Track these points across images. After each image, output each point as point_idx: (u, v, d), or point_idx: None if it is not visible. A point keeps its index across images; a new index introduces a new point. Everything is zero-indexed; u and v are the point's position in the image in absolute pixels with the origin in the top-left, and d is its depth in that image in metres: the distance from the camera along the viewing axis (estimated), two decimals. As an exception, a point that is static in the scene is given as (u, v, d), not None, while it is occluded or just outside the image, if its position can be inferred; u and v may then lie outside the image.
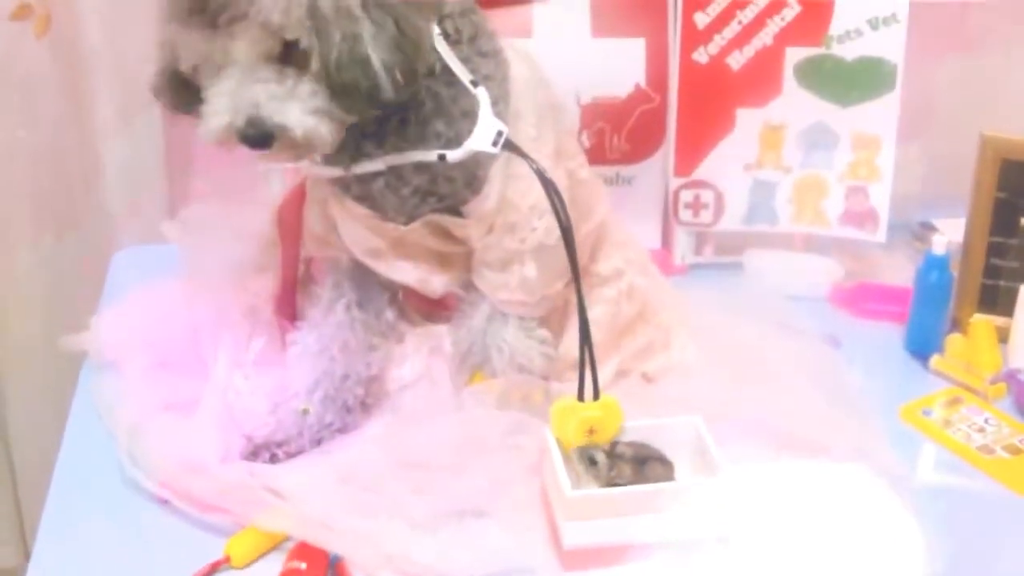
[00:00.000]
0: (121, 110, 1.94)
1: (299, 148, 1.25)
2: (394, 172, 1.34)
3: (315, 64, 1.22)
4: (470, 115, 1.32)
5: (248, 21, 1.19)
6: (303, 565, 1.23)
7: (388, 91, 1.23)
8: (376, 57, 1.22)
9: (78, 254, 2.02)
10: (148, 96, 1.89)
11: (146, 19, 1.83)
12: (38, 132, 1.93)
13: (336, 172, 1.35)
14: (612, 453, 1.30)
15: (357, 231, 1.40)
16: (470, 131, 1.32)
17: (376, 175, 1.34)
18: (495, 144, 1.31)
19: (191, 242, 1.69)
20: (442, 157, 1.32)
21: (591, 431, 1.30)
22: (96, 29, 1.88)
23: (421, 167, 1.33)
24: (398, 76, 1.23)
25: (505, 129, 1.31)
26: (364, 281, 1.46)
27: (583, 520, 1.25)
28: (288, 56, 1.22)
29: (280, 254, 1.50)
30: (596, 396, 1.32)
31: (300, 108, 1.22)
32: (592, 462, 1.29)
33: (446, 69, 1.31)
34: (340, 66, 1.21)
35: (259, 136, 1.22)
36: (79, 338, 1.59)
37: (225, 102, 1.22)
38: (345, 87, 1.22)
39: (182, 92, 1.29)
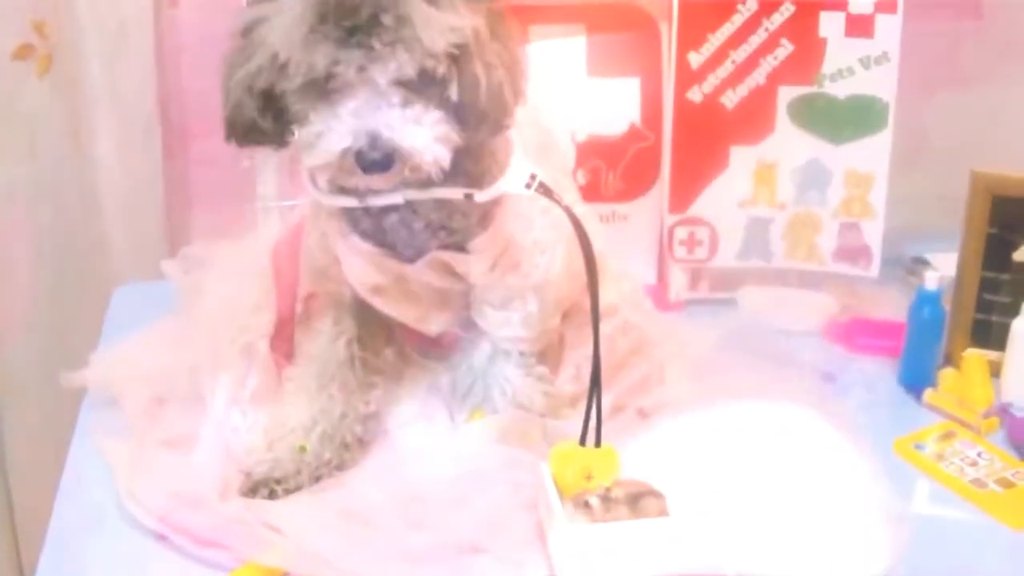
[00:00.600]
0: (120, 147, 1.96)
1: (413, 174, 1.23)
2: (410, 206, 1.34)
3: (454, 93, 1.22)
4: (493, 154, 1.34)
5: (397, 42, 1.17)
6: None
7: (512, 116, 1.24)
8: (507, 85, 1.23)
9: (78, 289, 2.03)
10: (147, 133, 1.96)
11: (146, 58, 1.91)
12: (39, 168, 1.95)
13: (351, 202, 1.35)
14: (606, 497, 1.31)
15: (360, 267, 1.41)
16: (492, 171, 1.34)
17: (391, 209, 1.35)
18: (528, 187, 1.32)
19: (189, 280, 1.70)
20: (469, 196, 1.33)
21: (589, 477, 1.31)
22: (97, 68, 1.91)
23: (441, 202, 1.34)
24: (511, 97, 1.25)
25: (538, 173, 1.33)
26: (364, 318, 1.47)
27: (579, 556, 1.26)
28: (419, 83, 1.21)
29: (276, 292, 1.51)
30: (598, 444, 1.34)
31: (429, 133, 1.21)
32: (586, 506, 1.29)
33: None
34: (487, 95, 1.22)
35: (382, 159, 1.19)
36: (79, 374, 1.60)
37: (348, 123, 1.19)
38: (481, 115, 1.23)
39: (276, 123, 1.26)
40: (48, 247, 2.00)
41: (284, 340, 1.50)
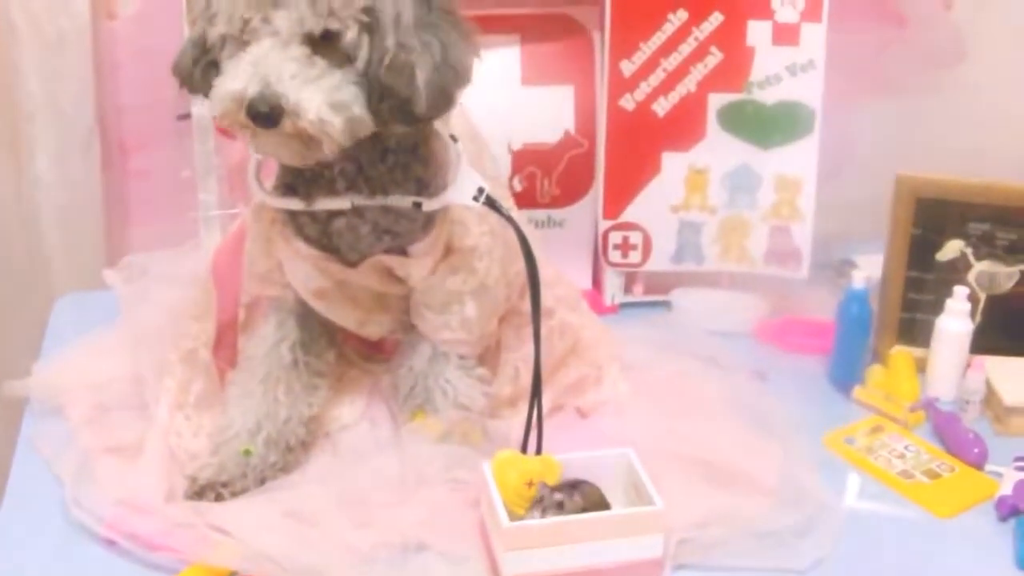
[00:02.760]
0: (58, 159, 1.96)
1: (301, 139, 1.23)
2: (357, 211, 1.37)
3: (360, 62, 1.23)
4: (444, 166, 1.38)
5: None
6: None
7: (422, 107, 1.25)
8: (421, 71, 1.24)
9: (17, 302, 2.02)
10: (86, 146, 1.96)
11: (84, 71, 1.92)
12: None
13: (297, 205, 1.37)
14: (573, 485, 1.35)
15: (304, 271, 1.43)
16: (439, 177, 1.37)
17: (338, 214, 1.38)
18: (476, 199, 1.35)
19: (131, 289, 1.71)
20: (417, 205, 1.36)
21: (531, 483, 1.34)
22: (34, 81, 1.91)
23: (388, 207, 1.37)
24: (434, 97, 1.26)
25: (486, 186, 1.36)
26: (307, 322, 1.48)
27: (521, 550, 1.29)
28: (324, 46, 1.22)
29: (216, 300, 1.53)
30: (539, 451, 1.37)
31: (322, 96, 1.21)
32: (560, 506, 1.32)
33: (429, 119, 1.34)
34: (389, 69, 1.23)
35: (268, 112, 1.19)
36: (21, 383, 1.60)
37: (246, 70, 1.20)
38: (385, 91, 1.24)
39: (205, 73, 1.28)
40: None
41: (226, 347, 1.52)
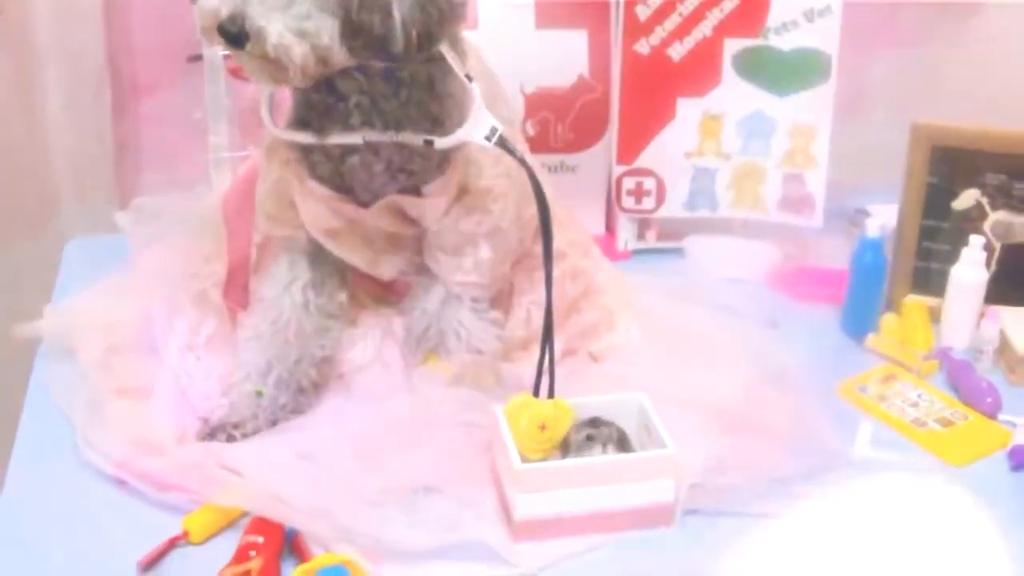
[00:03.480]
0: (70, 102, 1.95)
1: (270, 63, 1.23)
2: (371, 148, 1.36)
3: None
4: (459, 105, 1.36)
5: None
6: (260, 539, 1.25)
7: (399, 45, 1.23)
8: (398, 9, 1.22)
9: (29, 244, 2.02)
10: (97, 88, 1.95)
11: (94, 12, 1.90)
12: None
13: (308, 138, 1.36)
14: (597, 422, 1.35)
15: (316, 211, 1.42)
16: (454, 116, 1.36)
17: (352, 151, 1.37)
18: (488, 139, 1.33)
19: (142, 232, 1.71)
20: (429, 143, 1.35)
21: (543, 427, 1.34)
22: (45, 23, 1.89)
23: (402, 144, 1.36)
24: (414, 35, 1.24)
25: (500, 126, 1.34)
26: (318, 263, 1.47)
27: (533, 492, 1.29)
28: None
29: (226, 242, 1.52)
30: (551, 395, 1.36)
31: (285, 22, 1.21)
32: (590, 439, 1.33)
33: (442, 57, 1.33)
34: (361, 5, 1.22)
35: (235, 34, 1.21)
36: (32, 326, 1.60)
37: None
38: (359, 27, 1.23)
39: None
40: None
41: (237, 288, 1.51)
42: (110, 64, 1.96)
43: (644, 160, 1.83)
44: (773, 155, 1.82)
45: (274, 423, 1.42)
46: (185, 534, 1.29)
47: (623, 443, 1.36)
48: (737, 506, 1.35)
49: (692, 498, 1.34)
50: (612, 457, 1.33)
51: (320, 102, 1.34)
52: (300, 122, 1.37)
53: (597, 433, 1.35)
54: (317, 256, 1.46)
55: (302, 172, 1.40)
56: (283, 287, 1.46)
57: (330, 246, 1.44)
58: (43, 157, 1.98)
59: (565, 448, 1.35)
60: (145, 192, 2.06)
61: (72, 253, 1.88)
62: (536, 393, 1.37)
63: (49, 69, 1.93)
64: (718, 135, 1.82)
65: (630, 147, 1.83)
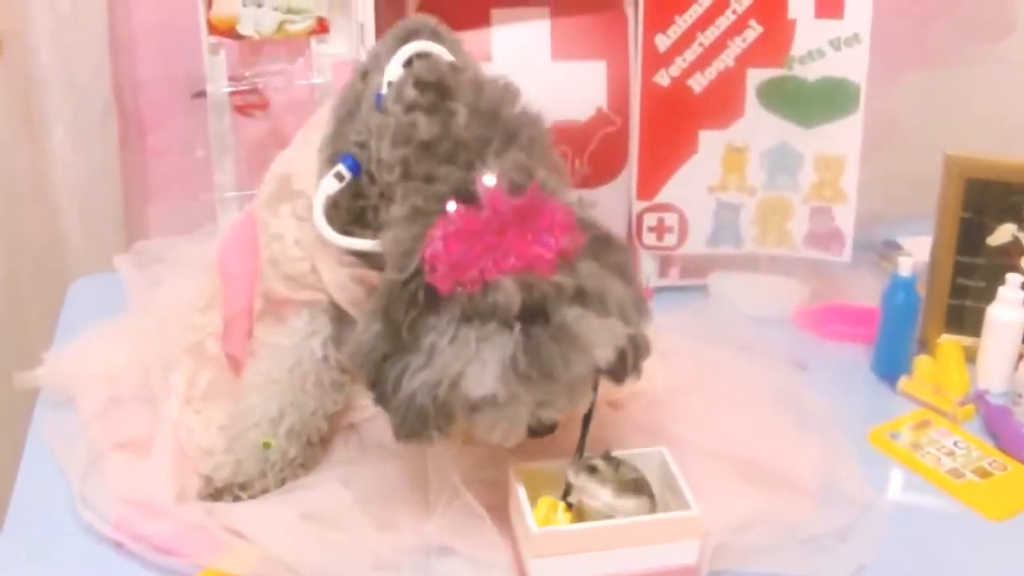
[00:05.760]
0: (75, 136, 1.91)
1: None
2: None
3: None
4: None
5: None
6: None
7: None
8: None
9: (33, 284, 1.97)
10: (103, 121, 1.91)
11: (99, 44, 1.86)
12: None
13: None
14: (609, 457, 1.29)
15: (340, 279, 1.36)
16: None
17: None
18: None
19: (142, 276, 1.66)
20: None
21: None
22: (48, 55, 1.85)
23: None
24: None
25: None
26: (339, 319, 1.41)
27: (549, 556, 1.23)
28: None
29: (223, 292, 1.46)
30: (580, 453, 1.31)
31: None
32: (593, 470, 1.27)
33: None
34: None
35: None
36: (32, 374, 1.56)
37: None
38: None
39: None
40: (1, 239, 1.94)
41: (237, 336, 1.44)
42: (116, 96, 1.92)
43: (665, 195, 1.78)
44: (800, 189, 1.77)
45: (283, 482, 1.37)
46: None
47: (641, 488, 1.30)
48: (764, 567, 1.29)
49: (717, 559, 1.28)
50: (633, 520, 1.26)
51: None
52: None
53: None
54: (338, 312, 1.40)
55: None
56: (302, 337, 1.39)
57: (352, 312, 1.37)
58: (48, 191, 1.94)
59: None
60: (154, 228, 2.03)
61: (77, 293, 1.83)
62: (580, 453, 1.31)
63: (53, 101, 1.89)
64: (742, 169, 1.77)
65: (651, 182, 1.78)
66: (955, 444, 1.49)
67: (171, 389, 1.45)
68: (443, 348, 1.16)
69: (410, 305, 1.17)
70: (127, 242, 1.94)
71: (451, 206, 1.17)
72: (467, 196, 1.18)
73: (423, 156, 1.23)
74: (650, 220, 1.79)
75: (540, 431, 1.26)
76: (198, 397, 1.44)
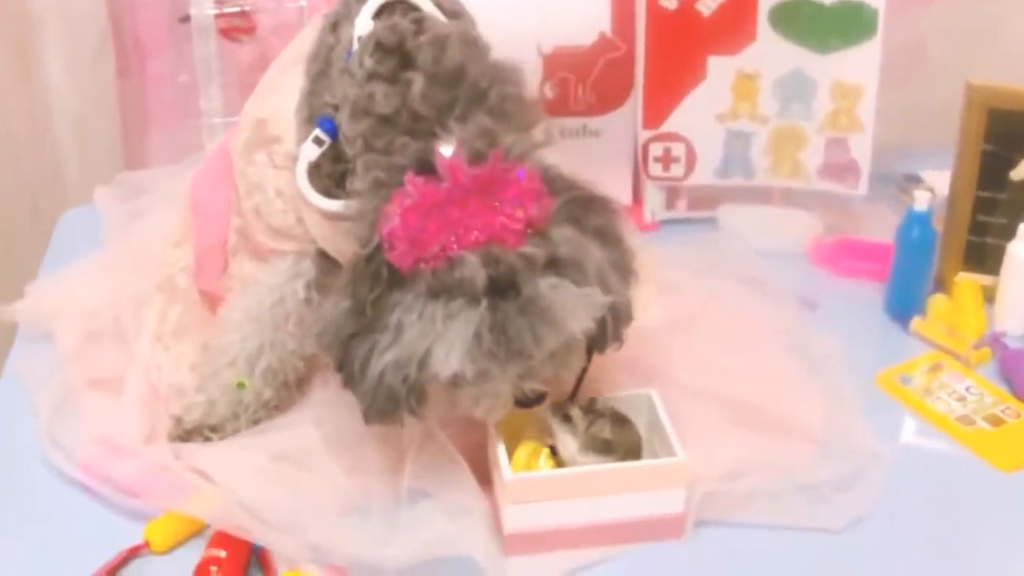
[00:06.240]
0: (71, 66, 1.86)
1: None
2: None
3: None
4: None
5: None
6: (222, 553, 1.16)
7: None
8: None
9: (31, 217, 1.93)
10: (99, 51, 1.85)
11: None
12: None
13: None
14: (590, 409, 1.23)
15: (329, 234, 1.30)
16: None
17: None
18: None
19: (121, 209, 1.61)
20: None
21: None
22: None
23: None
24: None
25: None
26: (324, 263, 1.34)
27: (524, 504, 1.17)
28: None
29: (193, 227, 1.41)
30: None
31: None
32: (567, 419, 1.21)
33: None
34: None
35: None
36: (11, 308, 1.51)
37: None
38: None
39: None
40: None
41: (210, 272, 1.38)
42: (113, 24, 1.86)
43: (672, 124, 1.70)
44: (814, 118, 1.67)
45: (256, 422, 1.33)
46: (146, 544, 1.20)
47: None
48: (756, 516, 1.23)
49: (705, 508, 1.22)
50: (613, 466, 1.20)
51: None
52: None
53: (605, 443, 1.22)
54: (322, 258, 1.34)
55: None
56: (285, 278, 1.34)
57: (339, 258, 1.31)
58: (45, 124, 1.90)
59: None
60: (154, 157, 1.97)
61: (67, 224, 1.78)
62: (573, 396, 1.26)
63: (48, 30, 1.83)
64: (753, 97, 1.68)
65: (657, 110, 1.69)
66: (967, 389, 1.42)
67: (142, 326, 1.40)
68: (411, 325, 1.10)
69: (374, 282, 1.12)
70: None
71: (408, 179, 1.11)
72: (427, 168, 1.12)
73: (382, 129, 1.17)
74: (656, 150, 1.71)
75: (528, 402, 1.20)
76: (167, 333, 1.39)
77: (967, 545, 1.23)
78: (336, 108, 1.22)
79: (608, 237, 1.19)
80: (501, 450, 1.19)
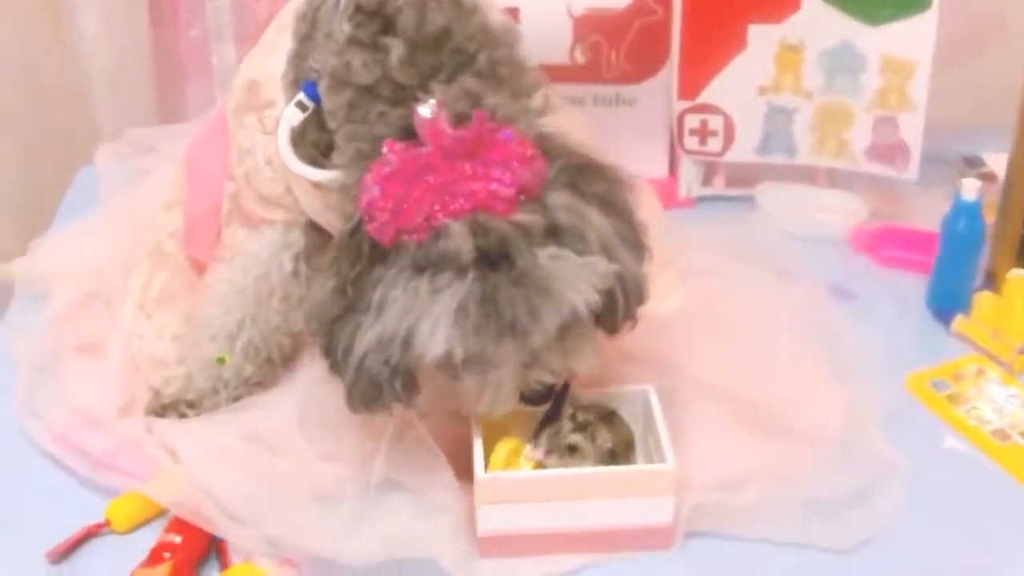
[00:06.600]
0: (105, 17, 1.83)
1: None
2: None
3: None
4: None
5: None
6: (178, 539, 1.11)
7: None
8: None
9: (65, 173, 1.90)
10: (131, 2, 1.81)
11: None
12: (16, 43, 1.84)
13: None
14: (582, 428, 1.15)
15: (318, 206, 1.24)
16: None
17: None
18: None
19: (121, 169, 1.58)
20: None
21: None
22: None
23: None
24: None
25: None
26: (313, 234, 1.29)
27: (499, 504, 1.10)
28: None
29: (187, 194, 1.35)
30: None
31: None
32: (572, 450, 1.13)
33: None
34: None
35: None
36: (8, 266, 1.49)
37: None
38: None
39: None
40: (28, 129, 1.88)
41: (200, 240, 1.33)
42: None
43: (709, 95, 1.61)
44: (862, 94, 1.57)
45: (236, 399, 1.27)
46: (107, 522, 1.15)
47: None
48: (756, 530, 1.14)
49: (698, 518, 1.14)
50: (596, 470, 1.12)
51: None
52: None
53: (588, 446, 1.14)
54: (312, 229, 1.28)
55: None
56: (273, 250, 1.28)
57: (328, 228, 1.25)
58: (77, 78, 1.87)
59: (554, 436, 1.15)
60: (190, 111, 1.92)
61: (85, 180, 1.73)
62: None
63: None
64: (797, 69, 1.58)
65: (693, 80, 1.61)
66: (1008, 399, 1.31)
67: (128, 292, 1.35)
68: (393, 301, 1.03)
69: (356, 258, 1.04)
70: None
71: (387, 145, 1.03)
72: (410, 135, 1.04)
73: (362, 100, 1.09)
74: (692, 122, 1.63)
75: (536, 398, 1.12)
76: (151, 301, 1.34)
77: (993, 564, 1.12)
78: (320, 74, 1.15)
79: (612, 206, 1.10)
80: (478, 445, 1.12)
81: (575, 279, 1.03)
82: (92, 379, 1.29)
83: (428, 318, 1.01)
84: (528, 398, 1.12)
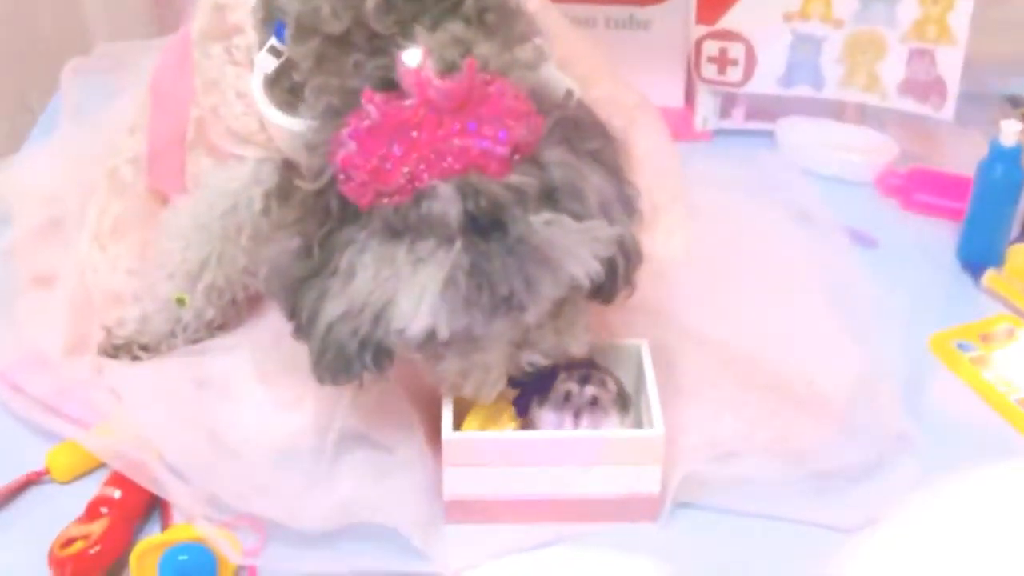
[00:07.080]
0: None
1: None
2: None
3: None
4: None
5: None
6: (117, 493, 1.04)
7: None
8: None
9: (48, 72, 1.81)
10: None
11: None
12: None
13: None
14: (585, 380, 1.07)
15: (296, 145, 1.11)
16: None
17: None
18: None
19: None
20: None
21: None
22: None
23: None
24: None
25: None
26: (286, 171, 1.17)
27: (466, 467, 1.02)
28: None
29: (150, 115, 1.25)
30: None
31: None
32: (567, 397, 1.06)
33: None
34: None
35: None
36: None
37: None
38: None
39: None
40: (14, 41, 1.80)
41: (164, 169, 1.23)
42: None
43: (730, 20, 1.51)
44: (898, 24, 1.47)
45: (194, 343, 1.19)
46: (47, 471, 1.08)
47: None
48: (752, 504, 1.05)
49: (689, 490, 1.05)
50: (573, 434, 1.03)
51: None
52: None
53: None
54: (285, 163, 1.17)
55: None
56: (243, 183, 1.18)
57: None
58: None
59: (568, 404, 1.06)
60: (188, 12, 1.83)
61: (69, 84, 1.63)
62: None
63: None
64: (827, -6, 1.48)
65: (713, 3, 1.51)
66: (1038, 364, 1.20)
67: (84, 221, 1.27)
68: (364, 268, 0.93)
69: (324, 218, 0.95)
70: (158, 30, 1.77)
71: (367, 96, 0.93)
72: (390, 87, 0.94)
73: (333, 50, 1.00)
74: (711, 49, 1.53)
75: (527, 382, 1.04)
76: (106, 231, 1.25)
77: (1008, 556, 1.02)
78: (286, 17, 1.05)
79: (605, 165, 0.99)
80: (447, 403, 1.02)
81: (574, 246, 0.93)
82: (36, 317, 1.21)
83: (409, 290, 0.91)
84: (517, 382, 1.04)
